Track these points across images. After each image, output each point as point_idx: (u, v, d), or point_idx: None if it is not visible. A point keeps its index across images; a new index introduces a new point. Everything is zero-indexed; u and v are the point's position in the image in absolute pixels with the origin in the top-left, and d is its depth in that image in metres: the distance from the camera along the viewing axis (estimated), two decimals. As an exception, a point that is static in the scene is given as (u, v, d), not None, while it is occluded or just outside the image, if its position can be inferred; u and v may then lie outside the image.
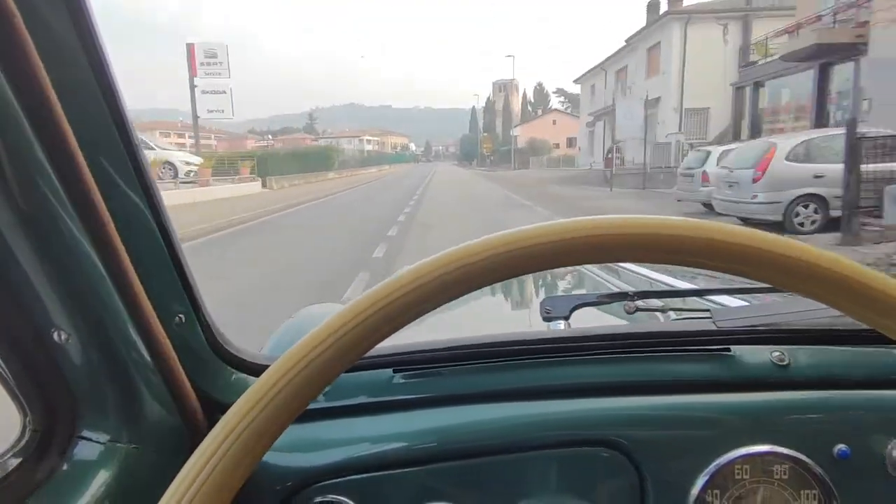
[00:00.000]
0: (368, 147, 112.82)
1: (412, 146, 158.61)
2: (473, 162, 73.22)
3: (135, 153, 0.48)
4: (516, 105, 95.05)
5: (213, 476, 0.28)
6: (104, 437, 0.51)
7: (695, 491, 0.57)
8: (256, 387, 0.29)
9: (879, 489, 0.57)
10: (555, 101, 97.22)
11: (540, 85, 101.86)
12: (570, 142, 59.79)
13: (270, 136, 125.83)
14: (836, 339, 0.66)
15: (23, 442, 0.49)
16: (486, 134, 79.22)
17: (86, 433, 0.51)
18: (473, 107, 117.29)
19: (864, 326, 0.62)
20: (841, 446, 0.57)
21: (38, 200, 0.41)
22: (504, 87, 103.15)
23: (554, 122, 63.46)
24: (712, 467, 0.57)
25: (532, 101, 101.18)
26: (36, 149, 0.40)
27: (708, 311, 0.71)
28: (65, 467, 0.49)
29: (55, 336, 0.46)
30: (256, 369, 0.64)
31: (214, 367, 0.61)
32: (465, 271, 0.29)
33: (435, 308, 0.31)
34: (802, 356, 0.64)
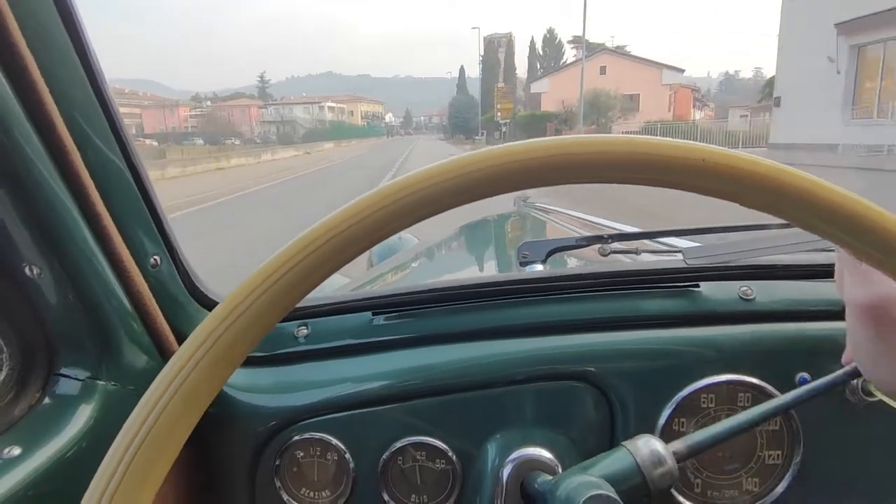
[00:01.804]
0: (330, 116, 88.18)
1: (389, 116, 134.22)
2: (480, 134, 44.17)
3: (106, 101, 0.49)
4: (520, 64, 71.47)
5: (172, 405, 0.28)
6: (83, 374, 0.52)
7: (661, 420, 0.59)
8: (210, 319, 0.29)
9: (837, 413, 0.60)
10: (569, 53, 73.66)
11: (550, 33, 77.70)
12: (630, 100, 36.26)
13: (210, 102, 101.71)
14: (799, 274, 0.69)
15: (1, 377, 0.49)
16: (502, 85, 43.81)
17: (64, 370, 0.52)
18: (462, 67, 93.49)
19: (825, 262, 0.68)
20: (802, 374, 0.60)
21: (10, 143, 0.41)
22: (498, 44, 79.31)
23: (602, 69, 39.66)
24: (678, 397, 0.59)
25: (541, 53, 76.92)
26: (10, 97, 0.40)
27: (679, 251, 0.73)
28: (45, 402, 0.50)
29: (27, 270, 0.47)
30: None
31: (191, 308, 0.62)
32: (413, 199, 0.29)
33: (391, 234, 0.31)
34: (767, 290, 0.66)
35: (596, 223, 1.54)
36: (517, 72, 70.38)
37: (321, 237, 0.28)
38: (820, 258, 0.70)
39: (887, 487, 0.61)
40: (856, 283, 0.42)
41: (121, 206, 0.52)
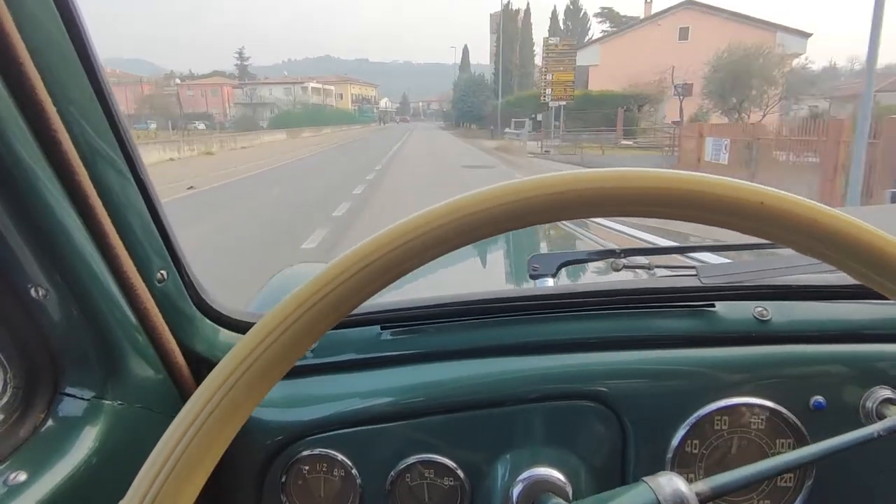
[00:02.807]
0: (315, 98, 75.61)
1: (385, 102, 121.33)
2: (516, 127, 26.45)
3: (110, 108, 0.48)
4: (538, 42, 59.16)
5: (202, 432, 0.28)
6: (88, 394, 0.51)
7: (675, 441, 0.59)
8: (243, 344, 0.29)
9: None
10: (596, 28, 61.54)
11: (574, 4, 65.22)
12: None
13: (178, 80, 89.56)
14: (815, 295, 0.68)
15: (4, 399, 0.48)
16: (556, 41, 24.71)
17: (69, 390, 0.51)
18: (465, 46, 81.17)
19: (842, 283, 0.67)
20: (817, 398, 0.59)
21: (12, 157, 0.40)
22: (514, 15, 67.08)
23: (683, 32, 27.45)
24: (692, 418, 0.59)
25: (562, 28, 64.64)
26: (11, 107, 0.39)
27: (693, 268, 0.72)
28: (49, 424, 0.49)
29: (32, 292, 0.46)
30: (242, 326, 0.65)
31: (199, 324, 0.62)
32: (450, 228, 0.28)
33: (421, 265, 0.30)
34: (783, 311, 0.65)
35: (607, 227, 1.56)
36: (535, 49, 58.22)
37: (363, 259, 0.28)
38: (836, 279, 0.68)
39: None
40: None
41: (127, 221, 0.50)
